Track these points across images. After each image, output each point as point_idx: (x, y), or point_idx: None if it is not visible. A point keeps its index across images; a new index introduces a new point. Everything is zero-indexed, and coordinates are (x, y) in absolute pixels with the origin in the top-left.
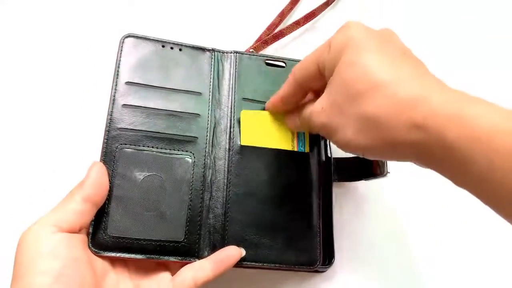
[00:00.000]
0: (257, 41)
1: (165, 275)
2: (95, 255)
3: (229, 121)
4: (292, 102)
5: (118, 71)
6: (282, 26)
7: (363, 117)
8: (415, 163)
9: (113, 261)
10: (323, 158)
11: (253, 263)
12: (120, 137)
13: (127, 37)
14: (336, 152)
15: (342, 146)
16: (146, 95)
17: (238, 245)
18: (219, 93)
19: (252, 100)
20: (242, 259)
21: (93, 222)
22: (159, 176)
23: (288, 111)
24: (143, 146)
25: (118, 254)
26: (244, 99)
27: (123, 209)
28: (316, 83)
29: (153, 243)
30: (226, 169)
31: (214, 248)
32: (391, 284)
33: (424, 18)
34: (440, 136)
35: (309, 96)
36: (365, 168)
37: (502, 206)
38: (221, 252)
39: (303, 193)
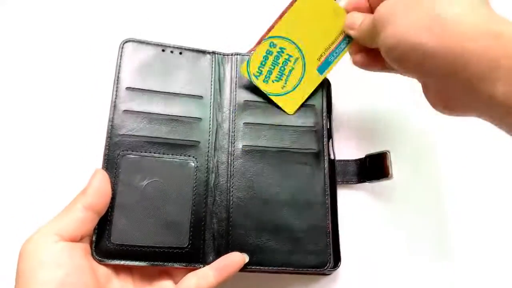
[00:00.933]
0: (257, 43)
1: (168, 284)
2: (99, 263)
3: (231, 124)
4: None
5: (118, 76)
6: None
7: (436, 15)
8: (453, 86)
9: (117, 269)
10: (329, 158)
11: (259, 267)
12: (122, 144)
13: (126, 41)
14: (340, 154)
15: (391, 39)
16: (147, 100)
17: (242, 250)
18: (220, 96)
19: (254, 102)
20: (247, 264)
21: (96, 230)
22: (161, 182)
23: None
24: (145, 152)
25: (122, 262)
26: (246, 101)
27: (126, 216)
28: None
29: (157, 249)
30: (229, 173)
31: (218, 253)
32: (397, 285)
33: None
34: None
35: None
36: (369, 170)
37: None
38: (224, 258)
39: (309, 194)
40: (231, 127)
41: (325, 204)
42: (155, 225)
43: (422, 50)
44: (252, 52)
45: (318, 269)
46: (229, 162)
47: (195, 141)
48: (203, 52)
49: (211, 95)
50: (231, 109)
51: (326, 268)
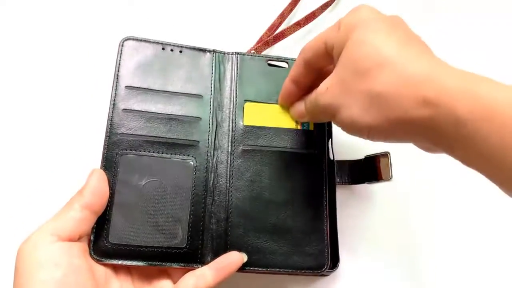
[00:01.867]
0: (258, 42)
1: (167, 283)
2: (97, 262)
3: (231, 123)
4: (301, 82)
5: (118, 74)
6: (283, 27)
7: (371, 94)
8: (419, 143)
9: (116, 269)
10: (328, 158)
11: (257, 268)
12: (121, 143)
13: (126, 39)
14: (339, 154)
15: (346, 125)
16: (147, 99)
17: (241, 250)
18: (220, 95)
19: (255, 101)
20: (245, 264)
21: (94, 230)
22: (160, 182)
23: (297, 97)
24: (144, 151)
25: (120, 262)
26: (246, 100)
27: (124, 216)
28: (323, 63)
29: (156, 249)
30: (228, 173)
31: (217, 254)
32: (396, 285)
33: (424, 20)
34: (451, 111)
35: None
36: (369, 171)
37: None
38: (223, 258)
39: (308, 195)
40: (231, 126)
41: (323, 205)
42: (153, 225)
43: (378, 128)
44: (252, 51)
45: (316, 271)
46: (229, 162)
47: (194, 140)
48: (204, 50)
49: (211, 94)
50: (231, 109)
51: (324, 270)
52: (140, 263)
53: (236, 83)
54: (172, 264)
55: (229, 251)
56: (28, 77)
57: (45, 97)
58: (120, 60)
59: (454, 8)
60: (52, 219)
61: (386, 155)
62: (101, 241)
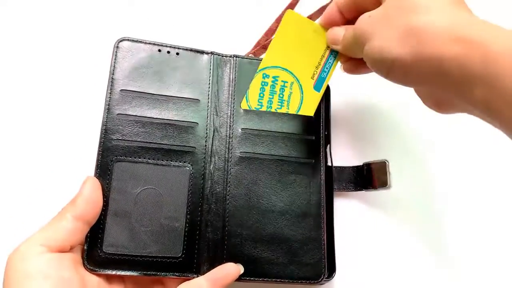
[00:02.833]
0: (255, 46)
1: None
2: (91, 272)
3: (228, 129)
4: (344, 13)
5: (112, 78)
6: None
7: (409, 27)
8: (436, 92)
9: (109, 278)
10: (326, 165)
11: (253, 278)
12: (115, 149)
13: (121, 40)
14: (337, 160)
15: (373, 55)
16: (142, 104)
17: (237, 260)
18: (218, 100)
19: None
20: (242, 274)
21: (88, 239)
22: (156, 189)
23: (339, 23)
24: (139, 158)
25: (114, 272)
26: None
27: (119, 225)
28: (370, 2)
29: (151, 259)
30: (225, 180)
31: (213, 263)
32: None
33: None
34: (483, 47)
35: None
36: (367, 178)
37: None
38: (219, 270)
39: (306, 203)
40: (228, 132)
41: (320, 215)
42: (148, 234)
43: (402, 62)
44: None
45: (313, 282)
46: (226, 169)
47: (191, 146)
48: (201, 52)
49: (208, 98)
50: (229, 114)
51: (321, 280)
52: (135, 273)
53: (234, 88)
54: (168, 274)
55: (226, 260)
56: (21, 80)
57: (37, 101)
58: (115, 63)
59: None
60: (42, 229)
61: (384, 162)
62: (95, 251)
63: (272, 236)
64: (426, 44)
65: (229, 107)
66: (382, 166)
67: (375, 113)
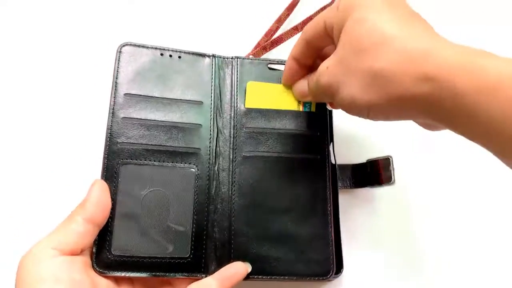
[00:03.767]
0: (255, 47)
1: None
2: (100, 275)
3: (232, 130)
4: (303, 61)
5: (116, 82)
6: (280, 32)
7: (370, 72)
8: (420, 121)
9: (118, 280)
10: (330, 163)
11: (261, 276)
12: (121, 152)
13: (124, 45)
14: (341, 158)
15: (347, 105)
16: (146, 107)
17: (245, 259)
18: (220, 101)
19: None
20: (249, 273)
21: (96, 242)
22: (162, 191)
23: (300, 75)
24: (145, 160)
25: (124, 273)
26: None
27: (127, 227)
28: (323, 43)
29: (159, 260)
30: (230, 180)
31: (220, 263)
32: None
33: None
34: (451, 86)
35: None
36: (371, 175)
37: None
38: (227, 269)
39: (312, 200)
40: (232, 133)
41: (327, 212)
42: (156, 235)
43: (378, 106)
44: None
45: (321, 278)
46: (231, 169)
47: (195, 148)
48: (203, 55)
49: (211, 100)
50: (232, 115)
51: (330, 276)
52: (144, 274)
53: (237, 88)
54: (176, 274)
55: (233, 259)
56: (24, 83)
57: (41, 105)
58: (118, 67)
59: (452, 21)
60: (54, 232)
61: (388, 158)
62: (104, 253)
63: (279, 234)
64: (393, 86)
65: (232, 107)
66: (385, 162)
67: None
